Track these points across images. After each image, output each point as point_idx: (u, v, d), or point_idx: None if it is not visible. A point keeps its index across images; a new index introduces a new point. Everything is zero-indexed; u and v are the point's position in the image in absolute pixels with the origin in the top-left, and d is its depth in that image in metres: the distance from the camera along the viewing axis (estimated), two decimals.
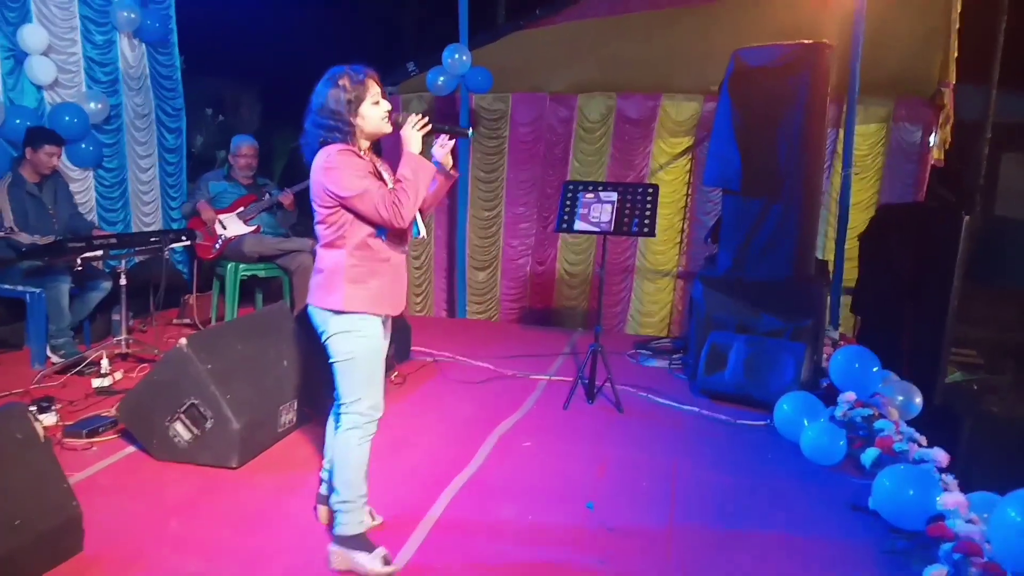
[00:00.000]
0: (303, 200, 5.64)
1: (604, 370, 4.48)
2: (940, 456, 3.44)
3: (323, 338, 2.57)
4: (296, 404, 3.77)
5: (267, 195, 5.52)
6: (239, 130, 6.70)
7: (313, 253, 5.30)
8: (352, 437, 2.59)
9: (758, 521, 3.16)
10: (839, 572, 2.82)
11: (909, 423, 4.06)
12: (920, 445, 3.65)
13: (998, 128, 13.80)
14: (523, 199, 7.27)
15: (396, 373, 4.73)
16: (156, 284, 4.91)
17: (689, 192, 6.83)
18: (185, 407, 3.33)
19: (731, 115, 4.81)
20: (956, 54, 5.98)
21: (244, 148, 5.52)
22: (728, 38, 5.52)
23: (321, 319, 2.55)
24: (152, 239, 4.61)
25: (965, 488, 3.20)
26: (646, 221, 4.43)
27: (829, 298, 5.50)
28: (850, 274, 5.99)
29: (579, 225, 4.48)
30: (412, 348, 5.29)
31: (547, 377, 5.02)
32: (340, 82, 2.47)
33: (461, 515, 3.08)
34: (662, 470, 3.63)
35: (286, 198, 5.43)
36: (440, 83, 6.26)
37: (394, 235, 2.54)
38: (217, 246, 5.35)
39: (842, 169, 5.91)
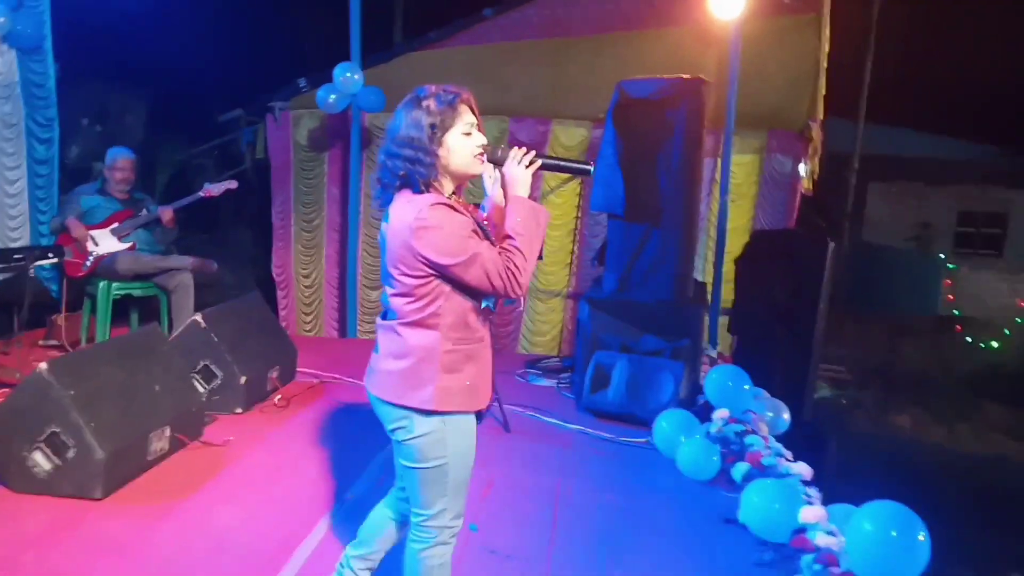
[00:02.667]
0: (184, 216, 5.46)
1: (494, 389, 4.51)
2: (804, 470, 3.63)
3: (399, 436, 2.08)
4: (169, 431, 3.62)
5: (144, 210, 5.30)
6: (121, 141, 6.37)
7: (192, 271, 5.19)
8: (433, 558, 2.12)
9: (635, 538, 3.25)
10: None
11: (779, 438, 4.27)
12: (787, 459, 3.84)
13: (865, 160, 14.85)
14: None
15: (279, 396, 4.61)
16: (21, 303, 4.63)
17: (579, 215, 6.99)
18: (45, 435, 3.14)
19: (615, 143, 4.98)
20: (824, 91, 6.39)
21: (120, 161, 5.29)
22: (614, 69, 5.72)
23: (396, 416, 2.06)
24: (16, 256, 4.36)
25: (830, 500, 3.39)
26: None
27: (707, 318, 5.74)
28: (728, 295, 6.27)
29: None
30: (297, 369, 5.17)
31: None
32: (424, 103, 2.01)
33: (341, 540, 3.02)
34: (545, 490, 3.68)
35: (165, 214, 5.22)
36: (331, 101, 6.20)
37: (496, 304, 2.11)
38: (88, 263, 5.09)
39: (720, 196, 6.20)
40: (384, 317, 2.13)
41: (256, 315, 4.94)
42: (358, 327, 7.04)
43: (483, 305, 2.05)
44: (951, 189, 16.78)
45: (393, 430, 2.09)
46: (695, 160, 4.98)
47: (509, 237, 2.00)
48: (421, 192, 2.00)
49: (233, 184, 5.37)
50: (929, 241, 16.65)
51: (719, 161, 6.31)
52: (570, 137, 6.86)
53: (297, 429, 4.28)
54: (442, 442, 2.05)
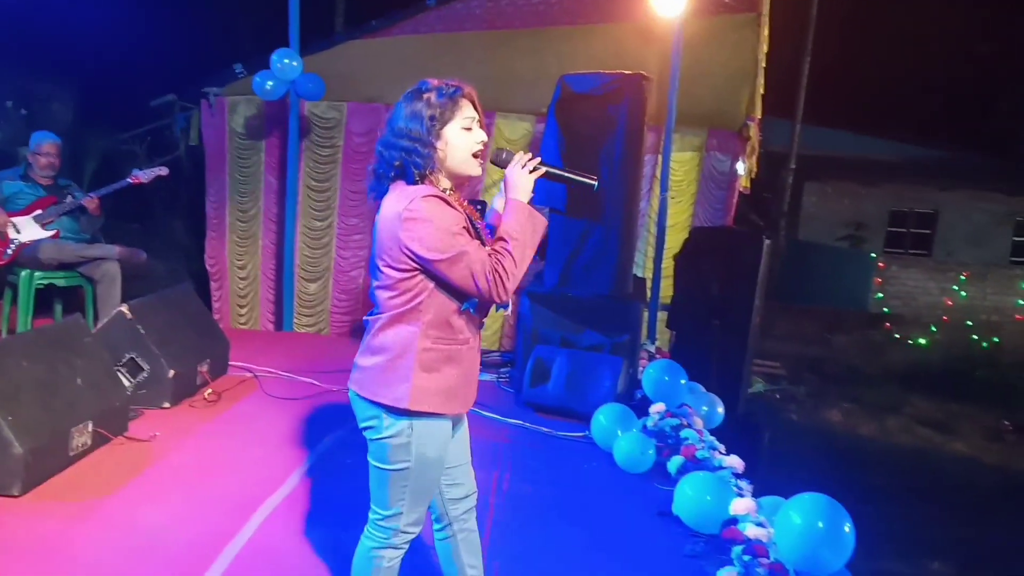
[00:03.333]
0: (113, 203, 5.27)
1: None
2: (736, 463, 3.69)
3: (368, 435, 2.04)
4: (91, 426, 3.49)
5: (69, 197, 5.09)
6: (47, 126, 6.11)
7: (119, 260, 5.01)
8: (382, 558, 2.09)
9: (571, 530, 3.26)
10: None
11: (713, 432, 4.34)
12: (720, 453, 3.90)
13: (802, 159, 15.21)
14: (357, 210, 7.15)
15: (210, 390, 4.49)
16: None
17: None
18: None
19: (557, 137, 4.99)
20: (762, 91, 6.50)
21: (46, 146, 5.07)
22: (557, 63, 5.73)
23: (370, 413, 2.01)
24: None
25: (762, 492, 3.46)
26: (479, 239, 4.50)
27: (647, 314, 5.80)
28: (667, 291, 6.33)
29: None
30: (230, 363, 5.05)
31: None
32: (425, 95, 1.97)
33: (271, 539, 2.96)
34: (482, 483, 3.61)
35: (91, 202, 5.01)
36: (268, 87, 6.05)
37: (481, 308, 2.04)
38: (9, 251, 4.87)
39: (660, 193, 6.27)
40: (372, 313, 2.07)
41: (186, 307, 4.81)
42: (295, 320, 6.91)
43: (463, 307, 1.98)
44: (883, 189, 17.31)
45: (364, 428, 2.05)
46: (636, 155, 5.02)
47: (502, 240, 1.94)
48: (416, 184, 1.95)
49: (163, 170, 5.20)
50: (862, 240, 17.17)
51: (660, 158, 6.37)
52: (513, 131, 6.84)
53: (227, 425, 4.18)
54: (407, 447, 2.00)
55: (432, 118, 1.94)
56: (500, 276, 1.89)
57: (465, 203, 2.05)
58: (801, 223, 17.03)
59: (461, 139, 1.98)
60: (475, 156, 2.01)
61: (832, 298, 14.72)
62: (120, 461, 3.54)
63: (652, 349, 5.90)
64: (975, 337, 13.43)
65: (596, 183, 2.14)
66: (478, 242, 1.93)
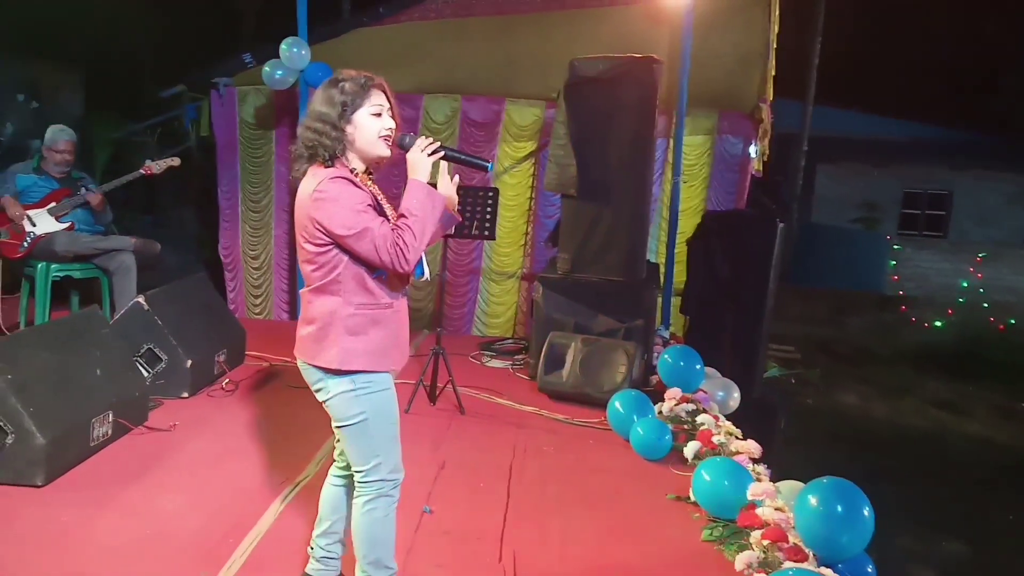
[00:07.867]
0: (125, 195, 5.28)
1: (447, 372, 4.48)
2: (753, 448, 3.69)
3: (320, 397, 2.24)
4: (111, 416, 3.52)
5: (83, 189, 5.11)
6: (57, 118, 6.11)
7: (134, 252, 5.03)
8: (376, 510, 2.25)
9: (588, 516, 3.27)
10: (661, 561, 2.96)
11: (728, 417, 4.34)
12: (737, 438, 3.90)
13: (813, 141, 15.08)
14: None
15: (227, 380, 4.52)
16: None
17: (533, 196, 6.95)
18: None
19: (568, 122, 4.95)
20: (773, 72, 6.43)
21: (61, 144, 5.06)
22: (566, 47, 5.67)
23: (315, 378, 2.22)
24: None
25: (779, 477, 3.45)
26: (486, 224, 4.49)
27: (660, 299, 5.78)
28: (680, 276, 6.31)
29: None
30: (247, 353, 5.07)
31: None
32: (340, 84, 2.15)
33: (292, 526, 2.98)
34: (499, 470, 3.68)
35: (93, 198, 5.02)
36: (278, 77, 6.04)
37: (396, 275, 2.22)
38: (25, 244, 4.90)
39: (672, 177, 6.23)
40: (303, 287, 2.29)
41: (202, 297, 4.83)
42: None
43: (376, 275, 2.17)
44: (896, 170, 17.15)
45: (316, 391, 2.24)
46: (647, 139, 4.99)
47: (403, 216, 2.13)
48: (328, 166, 2.14)
49: (176, 161, 5.21)
50: (875, 221, 17.02)
51: (671, 142, 6.33)
52: (523, 117, 6.81)
53: (245, 414, 4.20)
54: (356, 399, 2.19)
55: (344, 104, 2.13)
56: (401, 249, 2.08)
57: (371, 183, 2.24)
58: (814, 205, 16.90)
59: (370, 123, 2.17)
60: (382, 138, 2.19)
61: (846, 280, 14.61)
62: (140, 451, 3.58)
63: (666, 334, 5.89)
64: (991, 319, 13.31)
65: (490, 164, 2.41)
66: (382, 219, 2.13)
